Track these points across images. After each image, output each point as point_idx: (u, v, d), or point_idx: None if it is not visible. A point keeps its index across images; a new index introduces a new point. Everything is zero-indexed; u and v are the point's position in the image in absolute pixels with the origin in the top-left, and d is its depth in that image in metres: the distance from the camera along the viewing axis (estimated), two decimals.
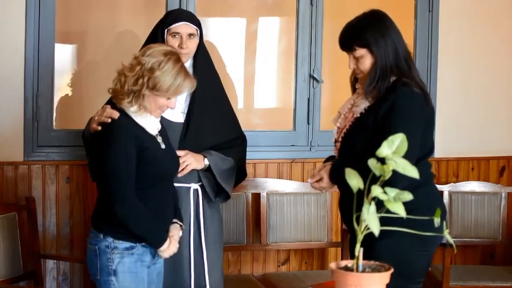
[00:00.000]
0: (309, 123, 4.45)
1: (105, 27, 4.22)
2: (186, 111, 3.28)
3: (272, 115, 4.62)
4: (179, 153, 3.19)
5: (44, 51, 3.94)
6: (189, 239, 3.28)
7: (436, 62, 4.62)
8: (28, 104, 3.93)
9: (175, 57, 2.84)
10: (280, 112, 4.62)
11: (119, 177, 2.78)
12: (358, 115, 2.93)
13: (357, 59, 2.91)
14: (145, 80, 2.79)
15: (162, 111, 2.91)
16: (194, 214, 3.31)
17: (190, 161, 3.21)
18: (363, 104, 2.92)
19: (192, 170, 3.24)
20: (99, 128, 2.85)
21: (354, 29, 2.93)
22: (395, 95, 2.84)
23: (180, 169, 3.18)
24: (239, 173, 3.43)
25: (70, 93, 4.18)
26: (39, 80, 3.94)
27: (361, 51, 2.89)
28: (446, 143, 4.54)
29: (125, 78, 2.82)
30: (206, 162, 3.27)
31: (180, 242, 3.05)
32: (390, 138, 1.83)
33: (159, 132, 2.96)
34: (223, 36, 4.36)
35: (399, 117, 2.80)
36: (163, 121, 3.17)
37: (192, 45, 3.26)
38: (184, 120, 3.27)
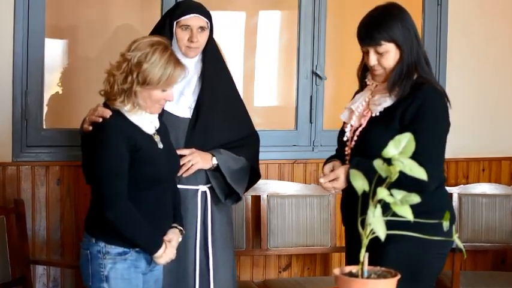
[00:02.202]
0: (311, 122, 4.45)
1: (97, 21, 4.22)
2: (193, 106, 3.26)
3: (273, 114, 4.62)
4: (184, 151, 3.17)
5: (33, 47, 3.93)
6: (195, 245, 3.26)
7: (445, 58, 4.62)
8: (17, 102, 3.93)
9: (162, 46, 2.83)
10: (281, 110, 4.62)
11: (109, 179, 2.77)
12: (378, 114, 2.92)
13: (380, 55, 2.88)
14: (135, 76, 2.78)
15: (160, 105, 2.90)
16: (201, 218, 3.28)
17: (196, 160, 3.18)
18: (385, 103, 2.90)
19: (200, 170, 3.22)
20: (91, 128, 2.85)
21: (380, 22, 2.88)
22: (423, 94, 2.84)
23: (184, 169, 3.17)
24: (252, 174, 3.39)
25: (61, 91, 4.18)
26: (29, 77, 3.94)
27: (387, 46, 2.86)
28: (456, 142, 4.54)
29: (114, 77, 2.81)
30: (214, 161, 3.23)
31: (186, 248, 3.04)
32: (397, 137, 1.83)
33: (157, 130, 2.95)
34: (222, 30, 4.36)
35: (431, 118, 2.82)
36: (169, 116, 3.17)
37: (202, 39, 3.23)
38: (192, 116, 3.25)
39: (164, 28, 3.22)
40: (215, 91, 3.28)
